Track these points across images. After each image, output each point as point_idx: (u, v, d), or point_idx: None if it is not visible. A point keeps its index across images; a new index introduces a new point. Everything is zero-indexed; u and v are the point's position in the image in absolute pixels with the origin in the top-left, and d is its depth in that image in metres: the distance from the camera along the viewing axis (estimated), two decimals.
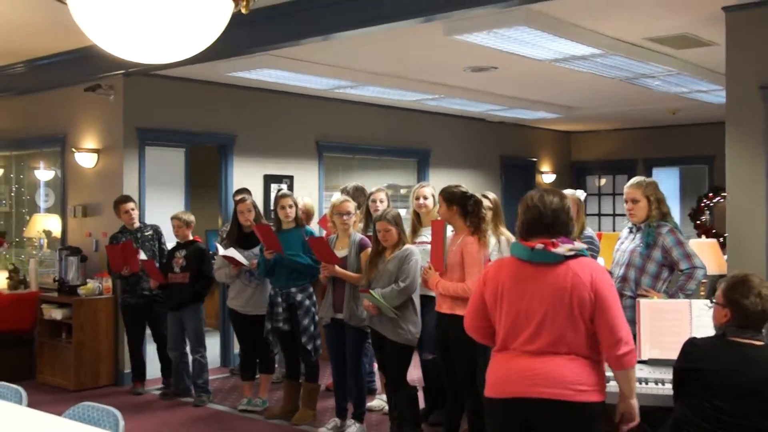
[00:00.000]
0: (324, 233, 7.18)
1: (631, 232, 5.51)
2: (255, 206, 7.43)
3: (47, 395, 7.66)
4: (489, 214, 6.32)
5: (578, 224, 5.72)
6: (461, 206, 5.68)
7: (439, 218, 5.99)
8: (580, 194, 6.52)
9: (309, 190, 9.93)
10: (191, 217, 7.88)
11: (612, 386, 3.77)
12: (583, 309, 3.48)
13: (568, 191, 6.25)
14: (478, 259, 5.57)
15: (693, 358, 3.74)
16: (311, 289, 6.96)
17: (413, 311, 6.08)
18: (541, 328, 3.52)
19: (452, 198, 5.71)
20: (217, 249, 7.39)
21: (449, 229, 5.87)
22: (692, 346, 3.81)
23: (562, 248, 3.52)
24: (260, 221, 7.31)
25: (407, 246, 6.08)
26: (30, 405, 4.22)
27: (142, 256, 7.82)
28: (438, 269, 5.67)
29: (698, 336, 4.00)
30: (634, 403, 3.67)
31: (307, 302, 6.89)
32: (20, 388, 4.33)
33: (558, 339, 3.50)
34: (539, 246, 3.54)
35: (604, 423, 3.62)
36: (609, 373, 3.71)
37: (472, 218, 5.64)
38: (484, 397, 3.73)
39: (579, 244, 3.60)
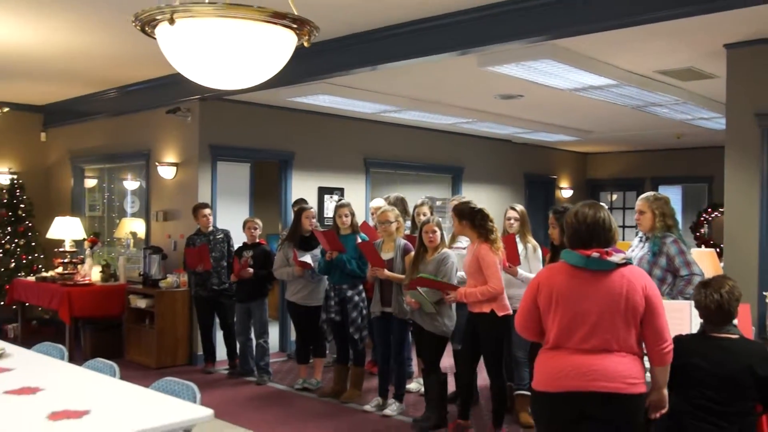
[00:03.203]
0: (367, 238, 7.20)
1: (641, 241, 5.46)
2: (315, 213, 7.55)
3: (134, 371, 7.77)
4: (516, 225, 6.37)
5: None
6: (470, 220, 5.69)
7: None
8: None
9: (357, 200, 9.96)
10: (261, 222, 8.01)
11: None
12: (635, 312, 3.41)
13: None
14: (494, 261, 5.57)
15: (681, 354, 3.68)
16: (361, 287, 6.99)
17: (449, 306, 6.08)
18: (595, 329, 3.42)
19: (462, 213, 5.73)
20: (285, 252, 7.43)
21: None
22: (678, 343, 3.76)
23: (616, 257, 3.45)
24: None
25: (445, 250, 6.11)
26: (121, 378, 4.30)
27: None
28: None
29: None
30: (665, 392, 3.61)
31: (357, 298, 6.92)
32: (114, 364, 4.42)
33: (611, 338, 3.41)
34: (595, 255, 3.45)
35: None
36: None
37: (480, 230, 5.66)
38: (533, 390, 3.61)
39: (627, 254, 3.52)
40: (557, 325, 3.50)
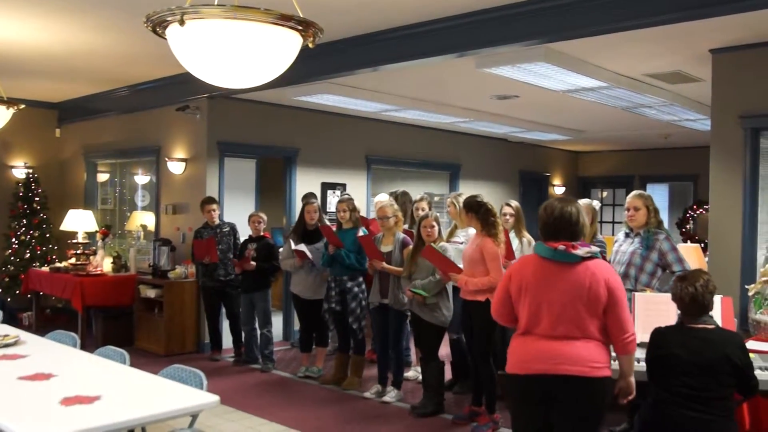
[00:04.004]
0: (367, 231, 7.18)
1: (628, 236, 5.45)
2: (319, 208, 7.53)
3: (143, 358, 7.76)
4: (512, 220, 6.39)
5: (591, 230, 5.68)
6: (476, 213, 5.73)
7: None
8: (596, 204, 6.46)
9: (359, 195, 9.95)
10: (265, 216, 7.98)
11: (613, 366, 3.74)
12: (597, 303, 3.45)
13: (584, 201, 6.23)
14: (496, 253, 5.60)
15: (661, 344, 3.74)
16: (361, 279, 6.98)
17: (446, 298, 6.12)
18: (560, 317, 3.47)
19: (469, 207, 5.81)
20: (290, 243, 7.43)
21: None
22: (658, 334, 3.80)
23: (581, 251, 3.49)
24: (322, 221, 7.42)
25: (442, 244, 6.11)
26: (131, 365, 4.30)
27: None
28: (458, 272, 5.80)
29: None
30: (632, 380, 3.67)
31: (356, 289, 6.91)
32: (124, 352, 4.43)
33: (574, 327, 3.46)
34: (561, 247, 3.50)
35: (611, 396, 3.62)
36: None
37: (484, 223, 5.70)
38: (506, 372, 3.66)
39: (594, 248, 3.55)
40: (526, 312, 3.59)
